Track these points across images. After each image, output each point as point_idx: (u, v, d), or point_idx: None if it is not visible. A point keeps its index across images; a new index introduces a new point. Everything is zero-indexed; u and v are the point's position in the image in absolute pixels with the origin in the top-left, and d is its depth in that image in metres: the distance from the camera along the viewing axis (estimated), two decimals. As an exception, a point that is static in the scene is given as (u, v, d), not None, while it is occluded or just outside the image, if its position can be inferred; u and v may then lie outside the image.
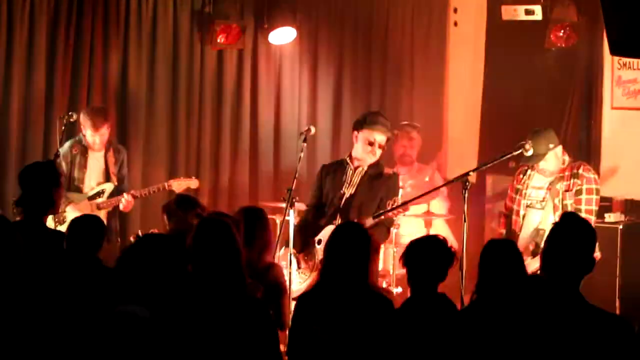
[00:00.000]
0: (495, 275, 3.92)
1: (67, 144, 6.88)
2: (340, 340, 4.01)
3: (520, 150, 5.88)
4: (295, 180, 5.88)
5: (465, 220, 5.56)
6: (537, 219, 5.97)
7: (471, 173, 5.84)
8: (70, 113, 6.80)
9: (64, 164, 6.79)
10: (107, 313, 3.24)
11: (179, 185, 6.87)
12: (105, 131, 6.83)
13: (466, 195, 5.59)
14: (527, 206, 6.02)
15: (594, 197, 5.86)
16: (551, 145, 5.93)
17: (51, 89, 7.50)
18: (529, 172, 6.09)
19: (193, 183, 6.98)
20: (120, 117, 7.72)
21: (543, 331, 3.44)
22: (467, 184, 5.65)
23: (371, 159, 6.11)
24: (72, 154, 6.85)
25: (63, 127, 6.69)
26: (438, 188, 6.50)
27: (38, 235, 4.55)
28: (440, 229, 7.44)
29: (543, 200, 5.95)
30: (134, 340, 3.14)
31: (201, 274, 3.66)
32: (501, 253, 3.99)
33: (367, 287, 4.23)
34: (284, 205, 5.85)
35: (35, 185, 4.61)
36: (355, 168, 6.14)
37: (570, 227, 3.53)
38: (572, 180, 5.89)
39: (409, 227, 7.17)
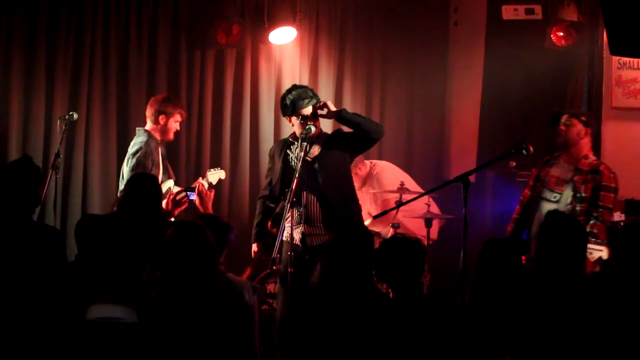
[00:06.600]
0: (492, 274, 3.92)
1: (143, 146, 6.34)
2: (342, 339, 4.01)
3: (520, 150, 5.88)
4: (295, 181, 5.87)
5: (465, 220, 5.55)
6: (551, 207, 6.01)
7: (471, 173, 5.84)
8: (70, 113, 6.79)
9: (151, 163, 6.26)
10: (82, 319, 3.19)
11: (212, 176, 6.54)
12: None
13: (466, 195, 5.58)
14: (542, 195, 6.07)
15: (612, 195, 5.95)
16: (583, 118, 6.07)
17: (51, 89, 7.51)
18: (550, 161, 6.15)
19: (222, 174, 6.68)
20: (120, 116, 7.75)
21: (541, 328, 3.45)
22: (467, 184, 5.64)
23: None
24: (162, 154, 6.46)
25: (63, 127, 6.68)
26: (438, 188, 6.47)
27: (31, 232, 4.52)
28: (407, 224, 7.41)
29: (560, 190, 6.01)
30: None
31: (175, 276, 3.65)
32: (499, 253, 3.99)
33: (372, 286, 4.24)
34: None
35: (21, 186, 4.53)
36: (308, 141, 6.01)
37: (557, 225, 3.55)
38: (590, 175, 5.96)
39: (408, 228, 7.17)
